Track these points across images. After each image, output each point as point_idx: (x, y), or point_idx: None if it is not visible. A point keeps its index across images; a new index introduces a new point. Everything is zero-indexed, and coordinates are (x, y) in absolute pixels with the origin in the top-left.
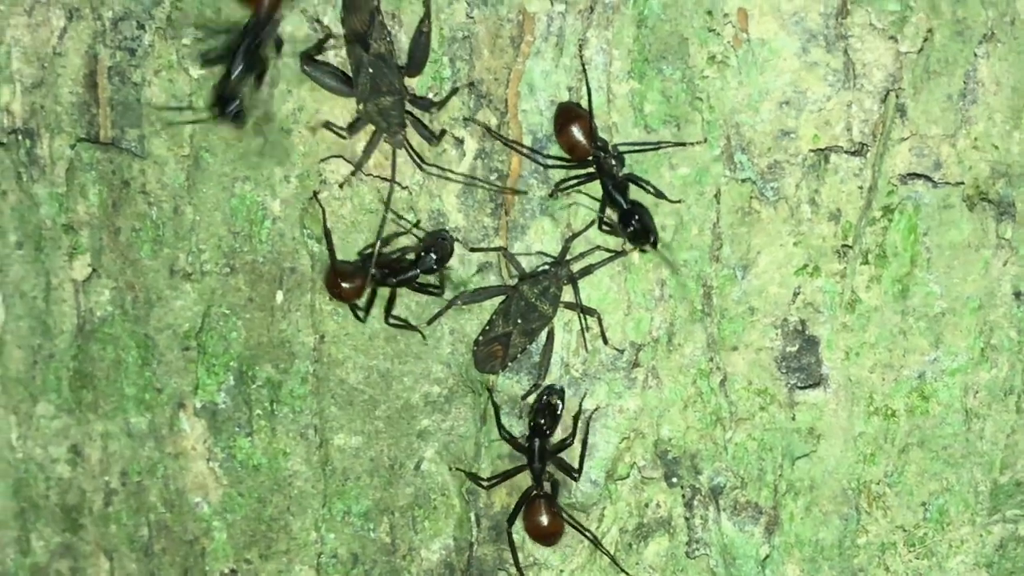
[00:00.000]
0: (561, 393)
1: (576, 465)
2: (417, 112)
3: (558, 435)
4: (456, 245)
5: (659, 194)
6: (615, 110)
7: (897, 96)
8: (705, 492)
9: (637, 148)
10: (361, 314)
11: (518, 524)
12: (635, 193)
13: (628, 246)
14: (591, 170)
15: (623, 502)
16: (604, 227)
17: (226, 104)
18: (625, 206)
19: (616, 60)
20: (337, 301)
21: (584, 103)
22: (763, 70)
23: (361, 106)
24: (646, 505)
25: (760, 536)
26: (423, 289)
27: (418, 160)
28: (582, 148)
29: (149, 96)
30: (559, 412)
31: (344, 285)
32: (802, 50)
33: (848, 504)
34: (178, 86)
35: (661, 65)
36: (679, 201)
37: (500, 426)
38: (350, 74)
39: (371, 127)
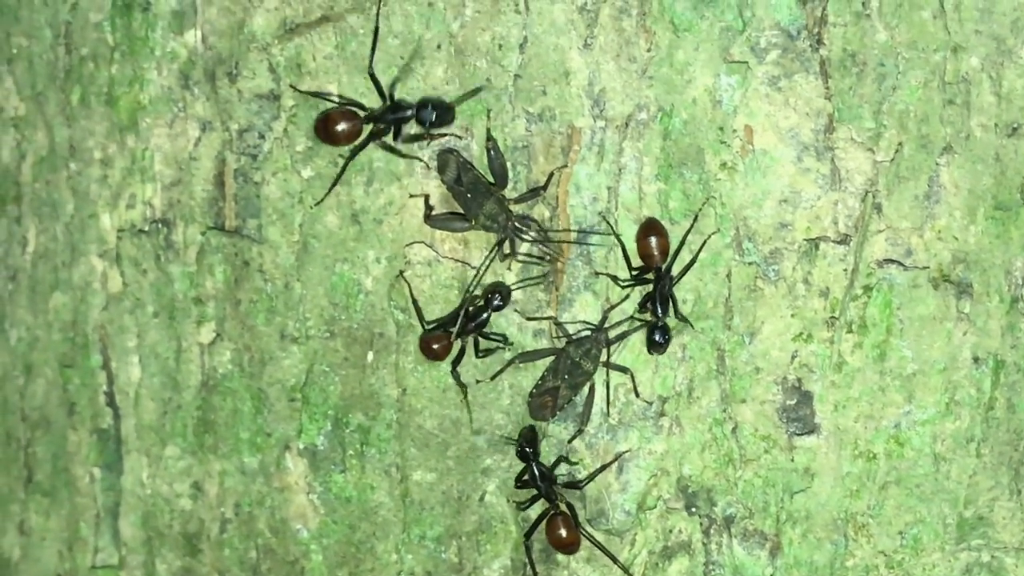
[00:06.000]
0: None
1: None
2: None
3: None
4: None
5: (683, 319)
6: (645, 206)
7: (874, 196)
8: (719, 521)
9: (683, 271)
10: (459, 369)
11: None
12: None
13: (650, 350)
14: (650, 276)
15: (651, 528)
16: (643, 310)
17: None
18: (661, 318)
19: (646, 165)
20: (429, 361)
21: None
22: (765, 174)
23: (473, 222)
24: (670, 531)
25: (765, 559)
26: (492, 337)
27: (511, 250)
28: (654, 261)
29: (267, 193)
30: (538, 437)
31: (435, 347)
32: (797, 159)
33: (838, 532)
34: (291, 185)
35: (682, 170)
36: (690, 325)
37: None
38: (462, 211)
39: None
